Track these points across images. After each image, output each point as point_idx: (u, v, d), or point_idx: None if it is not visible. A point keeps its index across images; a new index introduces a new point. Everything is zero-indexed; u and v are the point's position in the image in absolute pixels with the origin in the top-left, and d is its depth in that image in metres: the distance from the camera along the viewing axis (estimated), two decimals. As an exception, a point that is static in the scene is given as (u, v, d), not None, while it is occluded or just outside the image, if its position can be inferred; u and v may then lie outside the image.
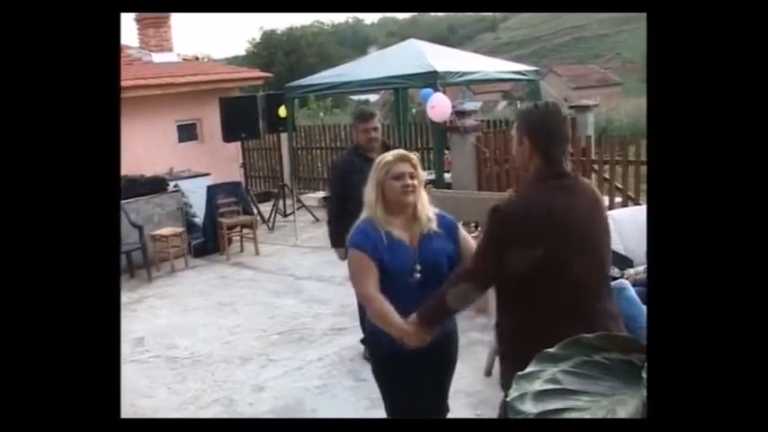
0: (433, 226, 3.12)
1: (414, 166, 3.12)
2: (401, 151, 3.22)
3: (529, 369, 1.10)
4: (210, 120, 11.66)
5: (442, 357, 3.23)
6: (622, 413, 1.02)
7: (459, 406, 4.48)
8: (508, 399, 1.06)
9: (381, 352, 3.21)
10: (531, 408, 1.03)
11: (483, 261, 2.72)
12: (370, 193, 3.12)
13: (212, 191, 9.85)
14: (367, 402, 4.76)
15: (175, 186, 10.08)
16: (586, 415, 1.03)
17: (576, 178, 2.85)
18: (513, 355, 2.67)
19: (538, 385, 1.08)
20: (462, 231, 3.27)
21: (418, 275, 3.06)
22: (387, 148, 3.94)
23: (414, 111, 15.90)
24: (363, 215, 3.15)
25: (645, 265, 5.23)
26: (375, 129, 5.10)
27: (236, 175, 11.84)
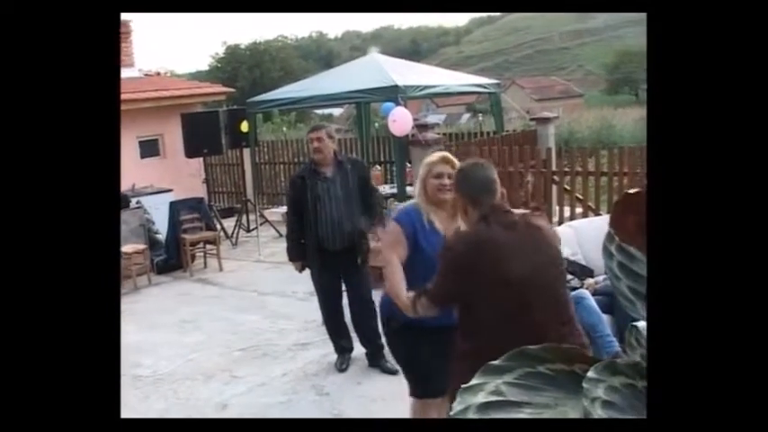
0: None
1: (454, 168, 3.32)
2: (445, 153, 3.60)
3: (473, 381, 1.11)
4: (173, 135, 11.56)
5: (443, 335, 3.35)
6: (563, 423, 1.03)
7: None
8: (451, 413, 1.07)
9: (401, 322, 3.50)
10: (473, 420, 1.04)
11: (440, 287, 2.95)
12: (417, 186, 3.56)
13: (175, 207, 9.72)
14: (331, 417, 4.75)
15: (138, 203, 9.96)
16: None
17: (517, 216, 2.98)
18: (470, 357, 2.69)
19: (481, 397, 1.08)
20: None
21: None
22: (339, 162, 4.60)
23: (377, 125, 15.98)
24: (412, 201, 3.62)
25: (605, 275, 5.30)
26: (318, 139, 5.28)
27: (199, 190, 11.74)
